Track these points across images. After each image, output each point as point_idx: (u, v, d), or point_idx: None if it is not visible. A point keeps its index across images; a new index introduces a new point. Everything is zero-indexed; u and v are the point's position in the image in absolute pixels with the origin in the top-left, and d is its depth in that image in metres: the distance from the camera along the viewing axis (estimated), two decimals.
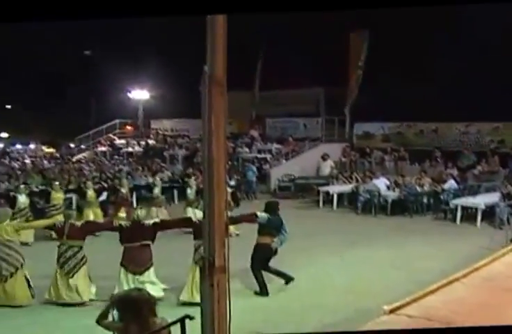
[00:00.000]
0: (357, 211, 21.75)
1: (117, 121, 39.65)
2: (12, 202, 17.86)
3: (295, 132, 31.97)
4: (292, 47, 32.81)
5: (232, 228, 16.70)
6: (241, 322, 9.76)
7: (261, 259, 11.80)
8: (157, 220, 12.23)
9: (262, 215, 11.96)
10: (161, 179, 23.58)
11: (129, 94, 39.62)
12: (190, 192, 19.20)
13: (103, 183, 22.57)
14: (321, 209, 22.98)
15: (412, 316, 5.18)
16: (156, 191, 19.86)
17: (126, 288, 10.27)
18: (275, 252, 11.93)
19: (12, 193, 18.94)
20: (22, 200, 18.16)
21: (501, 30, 23.37)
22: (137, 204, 20.96)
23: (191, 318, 4.50)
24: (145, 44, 36.31)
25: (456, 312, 5.32)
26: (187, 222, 12.45)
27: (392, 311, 5.21)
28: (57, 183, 19.89)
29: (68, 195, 20.11)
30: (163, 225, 12.03)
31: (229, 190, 18.29)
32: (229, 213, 12.45)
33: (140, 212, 11.65)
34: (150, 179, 24.02)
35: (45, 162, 33.66)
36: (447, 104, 28.86)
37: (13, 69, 41.32)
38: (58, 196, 19.04)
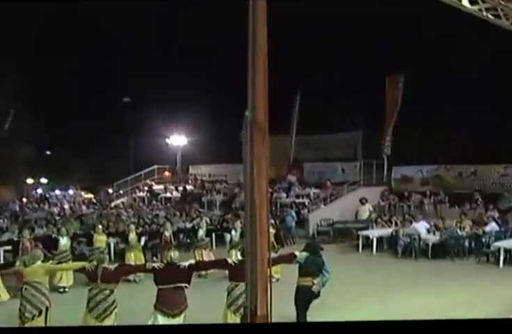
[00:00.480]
0: (397, 255, 21.59)
1: (155, 167, 40.12)
2: (53, 244, 18.08)
3: (333, 176, 32.04)
4: (329, 91, 33.15)
5: (278, 271, 16.86)
6: None
7: (303, 301, 11.65)
8: (192, 261, 12.07)
9: (302, 254, 11.84)
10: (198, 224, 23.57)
11: (167, 140, 40.15)
12: (235, 234, 19.09)
13: (141, 228, 22.93)
14: (361, 254, 22.83)
15: None
16: (201, 233, 19.83)
17: None
18: (317, 294, 11.76)
19: (54, 235, 19.08)
20: (63, 242, 18.21)
21: None
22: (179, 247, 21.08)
23: None
24: (183, 90, 36.95)
25: None
26: (223, 263, 12.19)
27: None
28: (100, 226, 20.02)
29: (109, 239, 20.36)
30: (199, 267, 12.05)
31: (273, 231, 18.34)
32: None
33: (173, 254, 11.45)
34: (189, 225, 24.23)
35: (83, 207, 34.11)
36: (485, 146, 28.95)
37: (53, 117, 42.24)
38: (100, 239, 19.09)
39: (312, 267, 11.73)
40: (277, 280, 16.15)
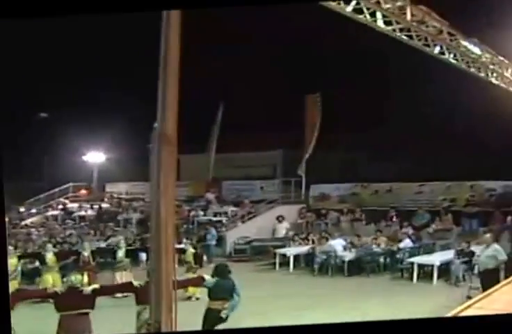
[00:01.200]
0: (313, 273, 21.74)
1: (70, 184, 39.43)
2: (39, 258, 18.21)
3: (251, 194, 32.13)
4: (250, 110, 33.35)
5: (191, 291, 16.72)
6: None
7: (210, 324, 11.38)
8: (96, 286, 11.68)
9: (209, 279, 11.80)
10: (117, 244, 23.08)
11: (83, 157, 39.63)
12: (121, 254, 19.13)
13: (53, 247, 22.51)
14: (278, 272, 22.84)
15: None
16: (120, 254, 19.40)
17: None
18: (225, 319, 11.57)
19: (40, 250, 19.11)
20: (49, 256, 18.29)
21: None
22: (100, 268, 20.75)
23: None
24: (102, 106, 36.58)
25: None
26: (128, 287, 12.08)
27: None
28: (49, 245, 19.69)
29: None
30: (103, 291, 11.66)
31: (192, 250, 18.45)
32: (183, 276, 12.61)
33: (75, 278, 11.08)
34: (102, 244, 23.87)
35: None
36: (401, 163, 29.62)
37: None
38: (11, 262, 17.67)
39: (222, 291, 11.64)
40: (198, 299, 16.26)
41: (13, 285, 11.04)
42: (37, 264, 19.72)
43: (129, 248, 22.24)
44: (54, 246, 22.56)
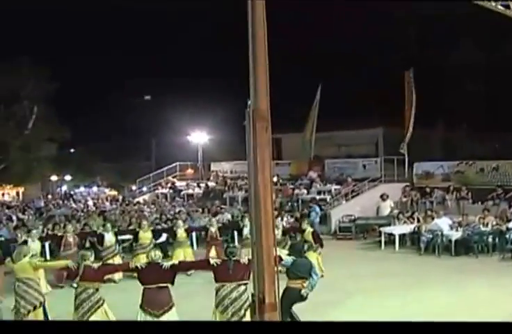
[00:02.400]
0: (420, 252, 21.21)
1: (177, 163, 40.06)
2: (99, 240, 18.25)
3: (354, 173, 31.74)
4: (349, 88, 32.93)
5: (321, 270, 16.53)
6: None
7: (288, 302, 11.07)
8: (175, 261, 12.00)
9: (287, 258, 11.61)
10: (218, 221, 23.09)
11: (188, 137, 40.05)
12: (277, 232, 18.16)
13: (163, 224, 22.80)
14: (383, 250, 22.42)
15: None
16: (246, 231, 19.53)
17: None
18: (304, 297, 11.36)
19: (99, 231, 19.24)
20: (109, 238, 18.35)
21: None
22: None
23: None
24: (203, 88, 36.81)
25: None
26: (204, 264, 12.01)
27: None
28: (145, 222, 19.70)
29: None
30: (182, 267, 11.89)
31: (310, 229, 18.11)
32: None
33: (154, 254, 11.21)
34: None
35: (107, 204, 34.14)
36: (506, 140, 28.59)
37: (77, 114, 42.37)
38: (145, 236, 18.73)
39: (300, 270, 11.43)
40: (322, 276, 16.22)
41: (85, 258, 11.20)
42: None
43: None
44: (165, 222, 22.85)
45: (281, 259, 11.41)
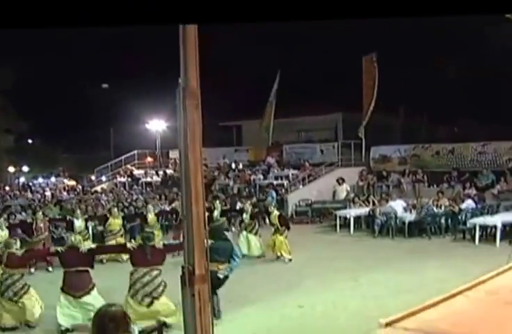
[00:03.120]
0: (374, 235, 21.23)
1: (135, 152, 39.66)
2: (69, 226, 18.59)
3: (311, 157, 31.70)
4: (307, 73, 32.82)
5: (284, 253, 16.94)
6: None
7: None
8: (93, 245, 12.28)
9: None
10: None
11: (146, 125, 39.74)
12: (246, 216, 18.76)
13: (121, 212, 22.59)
14: (338, 233, 22.43)
15: (408, 329, 4.88)
16: (216, 213, 19.54)
17: (67, 312, 10.56)
18: (223, 280, 11.15)
19: (68, 217, 19.49)
20: (78, 224, 18.62)
21: None
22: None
23: (167, 326, 4.27)
24: (162, 76, 36.45)
25: (455, 324, 5.01)
26: (121, 248, 12.35)
27: (388, 324, 4.91)
28: (115, 209, 20.03)
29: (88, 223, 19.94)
30: (98, 251, 12.14)
31: (277, 213, 18.07)
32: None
33: (74, 238, 11.39)
34: (167, 208, 23.85)
35: (64, 194, 33.76)
36: (463, 123, 28.74)
37: (34, 105, 41.80)
38: (115, 222, 19.12)
39: (219, 253, 11.09)
40: (290, 260, 16.84)
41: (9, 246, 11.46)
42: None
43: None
44: (122, 210, 22.68)
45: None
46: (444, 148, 27.85)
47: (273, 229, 17.65)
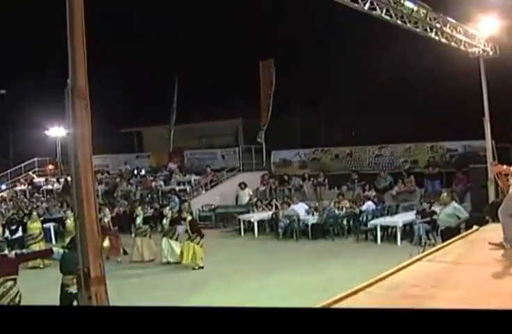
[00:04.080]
0: (278, 237, 21.32)
1: (35, 159, 38.64)
2: None
3: (213, 163, 31.60)
4: (206, 79, 32.77)
5: (198, 260, 16.63)
6: None
7: (64, 301, 10.42)
8: (18, 251, 11.53)
9: (58, 250, 11.03)
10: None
11: (46, 132, 38.81)
12: (165, 222, 18.45)
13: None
14: (243, 237, 22.50)
15: None
16: (138, 221, 19.07)
17: None
18: (75, 295, 9.80)
19: None
20: None
21: None
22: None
23: None
24: (62, 79, 35.66)
25: None
26: (47, 252, 11.87)
27: None
28: (35, 213, 19.93)
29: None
30: (24, 257, 11.51)
31: (189, 218, 17.77)
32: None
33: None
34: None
35: None
36: (360, 127, 29.30)
37: None
38: (34, 226, 18.96)
39: (75, 264, 10.48)
40: (202, 267, 16.59)
41: None
42: None
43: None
44: (22, 218, 22.11)
45: (52, 251, 11.17)
46: (342, 151, 28.31)
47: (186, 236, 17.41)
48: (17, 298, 10.07)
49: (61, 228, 20.73)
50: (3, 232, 18.82)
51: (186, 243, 16.94)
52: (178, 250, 17.31)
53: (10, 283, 10.07)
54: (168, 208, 19.95)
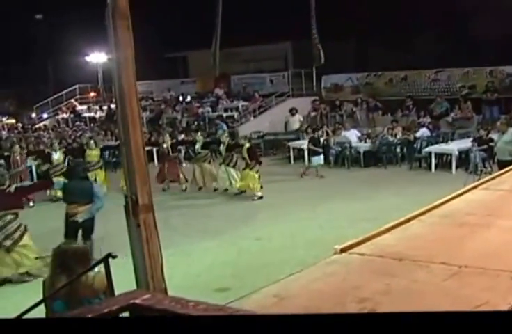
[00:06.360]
0: (329, 165, 21.52)
1: (77, 86, 38.92)
2: (48, 159, 19.13)
3: (261, 88, 31.63)
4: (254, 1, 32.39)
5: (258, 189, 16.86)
6: (210, 277, 9.98)
7: (70, 229, 10.70)
8: (18, 185, 11.63)
9: (58, 181, 11.49)
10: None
11: (86, 58, 38.93)
12: (222, 148, 18.41)
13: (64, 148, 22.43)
14: (293, 165, 22.76)
15: (363, 254, 5.14)
16: (198, 146, 19.24)
17: None
18: (86, 223, 10.71)
19: (47, 150, 20.15)
20: (57, 156, 19.00)
21: None
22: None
23: (114, 257, 4.35)
24: (101, 4, 35.58)
25: (409, 247, 5.32)
26: (48, 184, 12.36)
27: (343, 250, 5.18)
28: (92, 141, 20.17)
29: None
30: (25, 190, 11.72)
31: (247, 145, 17.75)
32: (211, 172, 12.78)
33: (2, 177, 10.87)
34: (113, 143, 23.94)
35: (3, 132, 33.30)
36: (415, 50, 28.86)
37: None
38: (93, 153, 19.36)
39: (77, 193, 10.74)
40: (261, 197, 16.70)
41: None
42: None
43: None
44: (66, 147, 22.59)
45: (52, 182, 11.66)
46: (397, 76, 28.08)
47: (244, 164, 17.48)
48: (17, 233, 10.35)
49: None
50: (64, 159, 19.17)
51: (246, 171, 17.06)
52: (237, 178, 17.44)
53: (10, 217, 10.39)
54: (225, 134, 19.88)
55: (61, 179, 11.40)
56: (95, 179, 17.39)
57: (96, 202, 10.62)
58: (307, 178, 19.86)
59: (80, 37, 35.67)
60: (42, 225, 12.49)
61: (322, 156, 20.18)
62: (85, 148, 19.70)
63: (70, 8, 35.79)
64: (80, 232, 10.72)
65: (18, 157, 18.37)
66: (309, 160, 20.37)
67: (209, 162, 18.79)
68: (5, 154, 19.62)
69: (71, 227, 10.66)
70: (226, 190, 17.83)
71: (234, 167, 17.68)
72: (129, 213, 4.98)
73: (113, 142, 24.03)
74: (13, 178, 16.24)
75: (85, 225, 10.69)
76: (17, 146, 19.37)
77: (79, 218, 10.54)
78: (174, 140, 20.81)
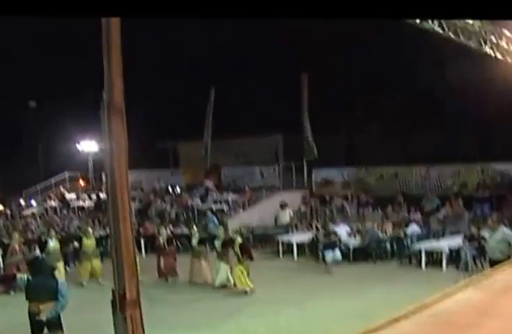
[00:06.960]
0: (318, 260, 21.36)
1: (66, 173, 39.18)
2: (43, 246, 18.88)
3: (251, 181, 31.93)
4: (243, 93, 33.02)
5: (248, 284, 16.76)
6: None
7: (34, 327, 10.37)
8: None
9: (20, 277, 11.10)
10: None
11: (77, 146, 39.30)
12: (218, 244, 18.49)
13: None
14: (282, 259, 22.68)
15: None
16: (194, 241, 19.29)
17: None
18: (45, 322, 10.30)
19: (43, 238, 20.01)
20: (52, 244, 18.94)
21: None
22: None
23: None
24: (93, 94, 36.15)
25: None
26: (10, 278, 12.60)
27: None
28: (90, 229, 20.60)
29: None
30: None
31: (240, 240, 17.75)
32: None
33: None
34: (102, 232, 23.92)
35: None
36: (406, 147, 29.33)
37: None
38: (89, 243, 19.47)
39: (39, 291, 10.36)
40: (245, 292, 16.55)
41: None
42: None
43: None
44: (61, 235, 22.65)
45: (15, 277, 11.40)
46: (388, 172, 28.39)
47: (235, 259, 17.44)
48: None
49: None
50: (60, 248, 19.31)
51: (237, 267, 17.03)
52: (229, 274, 17.56)
53: None
54: (221, 230, 19.80)
55: (24, 276, 11.01)
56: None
57: (60, 301, 10.29)
58: (295, 273, 19.76)
59: (71, 125, 36.10)
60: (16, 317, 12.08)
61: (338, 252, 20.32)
62: (82, 236, 19.91)
63: (63, 96, 36.39)
64: (45, 330, 10.39)
65: (16, 246, 18.44)
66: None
67: (205, 258, 18.96)
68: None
69: (36, 325, 10.34)
70: (224, 286, 17.67)
71: (227, 263, 17.75)
72: (115, 307, 4.96)
73: (102, 232, 23.97)
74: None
75: (51, 323, 10.35)
76: (16, 235, 19.53)
77: (42, 317, 10.21)
78: (171, 234, 21.01)
